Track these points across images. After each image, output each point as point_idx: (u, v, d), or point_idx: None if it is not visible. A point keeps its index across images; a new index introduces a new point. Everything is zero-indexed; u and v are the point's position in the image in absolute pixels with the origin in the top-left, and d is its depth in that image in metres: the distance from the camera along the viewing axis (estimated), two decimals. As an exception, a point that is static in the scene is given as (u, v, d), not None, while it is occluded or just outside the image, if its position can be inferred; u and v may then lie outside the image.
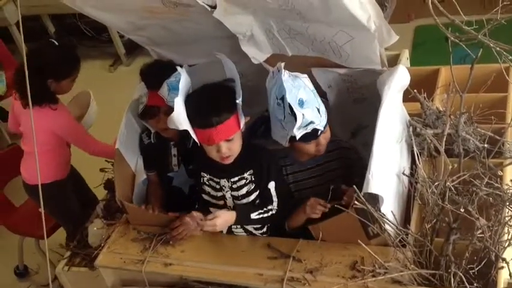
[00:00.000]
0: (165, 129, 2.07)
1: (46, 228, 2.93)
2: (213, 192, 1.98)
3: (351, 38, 1.79)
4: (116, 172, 2.15)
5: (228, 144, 1.82)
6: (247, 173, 1.94)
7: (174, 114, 1.73)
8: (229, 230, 2.01)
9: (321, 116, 1.82)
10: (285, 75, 1.79)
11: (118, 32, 4.66)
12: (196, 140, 1.80)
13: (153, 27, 2.00)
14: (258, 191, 1.95)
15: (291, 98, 1.76)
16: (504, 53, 1.51)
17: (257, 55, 2.02)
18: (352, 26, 1.73)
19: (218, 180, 1.95)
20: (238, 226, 1.99)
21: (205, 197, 2.00)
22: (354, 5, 1.63)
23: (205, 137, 1.79)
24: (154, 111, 2.04)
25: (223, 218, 1.92)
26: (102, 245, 2.09)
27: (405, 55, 2.83)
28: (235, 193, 1.94)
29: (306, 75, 1.84)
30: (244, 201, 1.95)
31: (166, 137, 2.16)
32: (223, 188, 1.94)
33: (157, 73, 1.97)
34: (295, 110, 1.75)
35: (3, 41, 4.52)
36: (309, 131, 1.80)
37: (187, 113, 1.78)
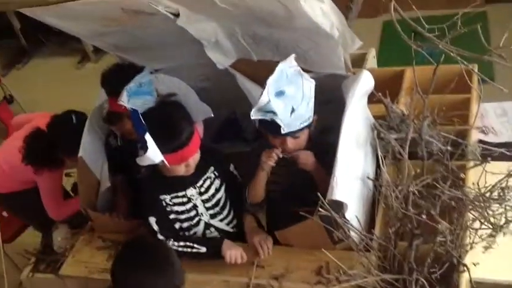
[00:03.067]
0: (131, 132, 2.06)
1: (10, 232, 2.93)
2: (181, 208, 1.93)
3: (315, 44, 1.80)
4: (79, 180, 2.13)
5: (195, 156, 1.82)
6: (210, 171, 1.95)
7: (150, 152, 1.67)
8: (203, 233, 1.99)
9: (290, 117, 1.74)
10: (292, 67, 1.74)
11: (85, 29, 4.58)
12: (167, 165, 1.75)
13: (116, 34, 1.97)
14: (225, 184, 1.96)
15: (273, 84, 1.71)
16: (462, 61, 1.54)
17: (222, 60, 2.01)
18: (315, 33, 1.73)
19: (183, 192, 1.92)
20: (213, 230, 1.98)
21: (172, 216, 1.94)
22: (316, 13, 1.63)
23: (177, 159, 1.77)
24: (117, 116, 2.02)
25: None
26: (67, 254, 2.06)
27: (372, 54, 2.85)
28: (205, 196, 1.94)
29: (314, 82, 1.78)
30: (215, 200, 1.95)
31: (132, 138, 2.14)
32: (192, 197, 1.93)
33: (117, 80, 1.95)
34: (265, 92, 1.71)
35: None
36: (268, 119, 1.74)
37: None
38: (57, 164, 2.42)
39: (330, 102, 2.08)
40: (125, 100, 1.88)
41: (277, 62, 1.97)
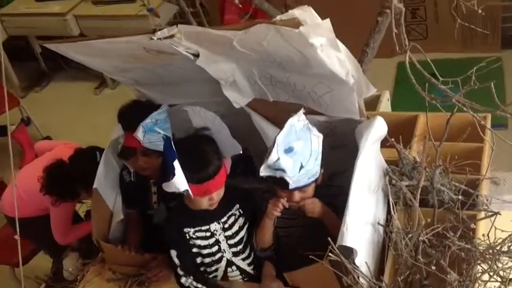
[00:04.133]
0: (143, 168, 2.10)
1: (23, 255, 2.95)
2: (204, 243, 1.95)
3: (330, 89, 1.83)
4: (93, 211, 2.16)
5: (219, 191, 1.85)
6: (234, 208, 1.97)
7: (176, 179, 1.70)
8: (225, 271, 2.00)
9: (299, 173, 1.77)
10: (301, 121, 1.78)
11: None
12: (190, 195, 1.78)
13: (137, 70, 2.03)
14: (248, 223, 1.98)
15: (282, 141, 1.74)
16: (474, 115, 1.56)
17: (239, 99, 2.04)
18: (331, 79, 1.76)
19: (207, 226, 1.94)
20: (234, 268, 2.00)
21: (194, 250, 1.96)
22: (333, 62, 1.66)
23: (202, 191, 1.80)
24: (131, 152, 2.06)
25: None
26: (77, 283, 2.08)
27: (386, 96, 2.88)
28: (228, 233, 1.96)
29: (321, 136, 1.82)
30: (238, 237, 1.97)
31: (144, 175, 2.18)
32: (215, 232, 1.95)
33: (133, 115, 2.01)
34: (274, 149, 1.74)
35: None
36: (277, 176, 1.76)
37: None
38: (73, 196, 2.45)
39: (342, 146, 2.11)
40: (141, 136, 1.93)
41: (292, 104, 2.03)
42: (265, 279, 1.95)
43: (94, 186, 2.10)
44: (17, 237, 3.05)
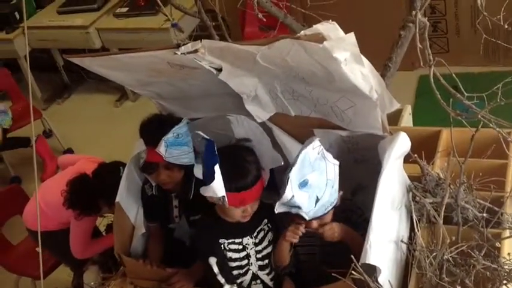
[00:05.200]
0: (165, 182, 2.11)
1: (44, 268, 2.97)
2: (235, 255, 1.94)
3: (353, 104, 1.82)
4: (115, 225, 2.16)
5: (254, 204, 1.85)
6: (263, 223, 1.97)
7: (215, 183, 1.70)
8: (249, 284, 1.99)
9: (315, 207, 1.74)
10: (316, 149, 1.74)
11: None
12: (226, 204, 1.77)
13: (160, 84, 2.04)
14: (275, 239, 1.97)
15: (297, 174, 1.70)
16: (500, 131, 1.54)
17: (260, 114, 2.03)
18: (354, 94, 1.75)
19: (240, 240, 1.94)
20: (258, 282, 1.99)
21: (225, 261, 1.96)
22: (356, 76, 1.65)
23: (238, 200, 1.79)
24: (153, 166, 2.07)
25: None
26: (98, 299, 2.09)
27: (407, 111, 2.86)
28: (258, 247, 1.96)
29: (338, 163, 1.79)
30: (266, 252, 1.97)
31: (166, 189, 2.18)
32: (247, 246, 1.95)
33: (155, 131, 2.01)
34: (288, 187, 1.68)
35: (11, 73, 4.61)
36: (293, 212, 1.75)
37: None
38: (96, 210, 2.46)
39: (364, 161, 2.09)
40: (163, 150, 1.94)
41: (314, 118, 2.02)
42: None
43: (116, 200, 2.11)
44: (38, 249, 3.09)
